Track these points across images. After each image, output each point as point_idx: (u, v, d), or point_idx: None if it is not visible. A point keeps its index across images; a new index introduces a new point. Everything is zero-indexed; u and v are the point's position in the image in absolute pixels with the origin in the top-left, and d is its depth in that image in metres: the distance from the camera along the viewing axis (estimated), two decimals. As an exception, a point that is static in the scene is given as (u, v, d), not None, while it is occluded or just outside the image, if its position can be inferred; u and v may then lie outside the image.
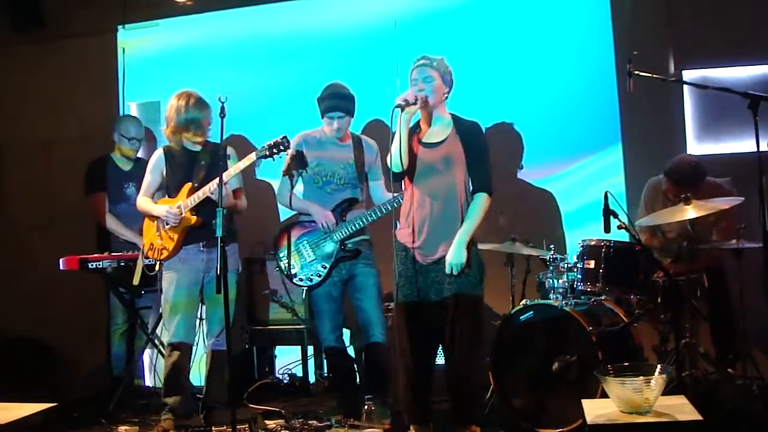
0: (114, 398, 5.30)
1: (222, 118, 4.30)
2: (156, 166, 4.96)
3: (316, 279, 4.81)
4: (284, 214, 6.41)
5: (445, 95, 4.21)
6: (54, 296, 6.43)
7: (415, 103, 4.08)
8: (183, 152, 4.94)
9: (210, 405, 4.91)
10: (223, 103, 4.29)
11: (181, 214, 4.77)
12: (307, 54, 6.31)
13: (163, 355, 5.28)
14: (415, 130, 4.24)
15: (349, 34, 6.25)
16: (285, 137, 4.67)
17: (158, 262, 4.97)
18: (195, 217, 4.78)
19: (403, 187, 4.32)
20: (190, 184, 4.82)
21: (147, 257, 5.03)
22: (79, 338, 6.24)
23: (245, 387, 5.61)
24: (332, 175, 4.86)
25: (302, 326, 5.87)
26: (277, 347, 6.21)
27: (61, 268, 5.40)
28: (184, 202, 4.78)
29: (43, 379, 6.09)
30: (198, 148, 4.94)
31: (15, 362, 6.13)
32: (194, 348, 5.06)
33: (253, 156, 4.67)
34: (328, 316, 4.86)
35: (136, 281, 5.23)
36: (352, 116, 4.92)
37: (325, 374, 5.96)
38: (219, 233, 4.17)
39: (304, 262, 4.86)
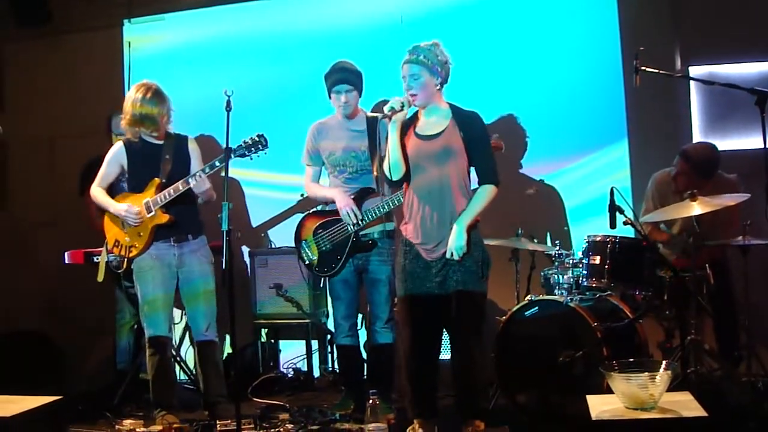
0: (119, 392, 5.30)
1: (228, 111, 4.29)
2: (115, 158, 4.89)
3: (331, 269, 4.82)
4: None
5: (437, 86, 4.12)
6: (59, 290, 6.45)
7: (401, 109, 4.06)
8: (144, 145, 4.85)
9: (212, 401, 4.89)
10: (228, 96, 4.28)
11: (151, 212, 4.73)
12: (312, 49, 6.29)
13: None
14: (411, 122, 4.22)
15: (355, 30, 6.25)
16: (262, 135, 4.59)
17: (126, 260, 4.88)
18: (167, 215, 4.74)
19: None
20: (158, 180, 4.77)
21: (111, 253, 4.97)
22: (84, 332, 6.25)
23: (250, 381, 5.61)
24: (344, 165, 4.83)
25: (307, 320, 5.88)
26: (282, 342, 6.22)
27: (66, 261, 5.41)
28: (153, 198, 4.74)
29: (48, 373, 6.10)
30: (159, 141, 4.87)
31: (21, 355, 6.15)
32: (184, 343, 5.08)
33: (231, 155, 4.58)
34: (344, 303, 4.87)
35: (100, 278, 5.14)
36: (361, 92, 4.86)
37: (329, 368, 5.98)
38: (225, 227, 4.16)
39: (321, 251, 4.86)
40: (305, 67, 6.28)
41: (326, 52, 6.20)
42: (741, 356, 4.82)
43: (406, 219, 4.24)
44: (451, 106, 4.21)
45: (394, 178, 4.17)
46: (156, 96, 4.79)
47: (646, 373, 3.31)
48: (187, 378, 5.77)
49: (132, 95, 4.80)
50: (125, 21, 6.81)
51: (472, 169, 4.21)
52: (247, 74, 6.37)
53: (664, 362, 3.46)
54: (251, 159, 4.62)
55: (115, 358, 5.85)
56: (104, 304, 5.89)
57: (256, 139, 4.58)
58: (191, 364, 5.78)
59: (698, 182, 4.94)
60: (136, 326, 5.74)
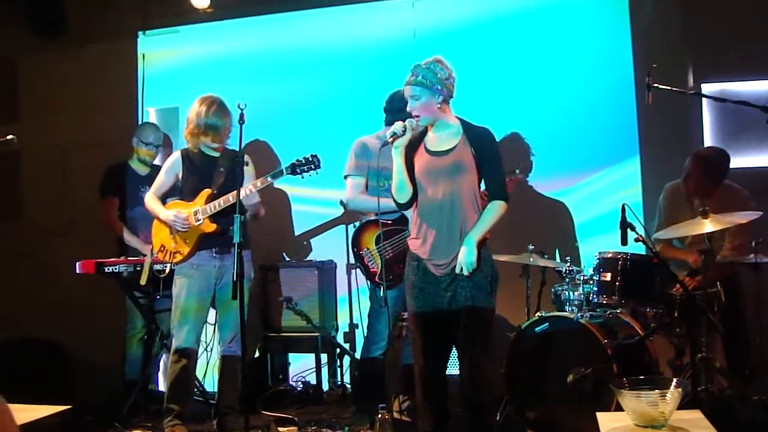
0: (128, 402, 5.31)
1: (241, 124, 4.33)
2: (172, 168, 4.99)
3: (396, 277, 4.82)
4: (298, 221, 6.48)
5: (439, 105, 4.09)
6: (71, 300, 6.47)
7: (404, 134, 4.05)
8: (201, 156, 4.96)
9: (222, 411, 4.91)
10: (242, 109, 4.32)
11: (199, 221, 4.78)
12: (327, 63, 6.34)
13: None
14: (421, 138, 4.22)
15: (369, 44, 6.28)
16: (315, 156, 4.68)
17: (169, 266, 4.98)
18: (214, 225, 4.79)
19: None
20: (209, 190, 4.83)
21: (157, 260, 5.04)
22: (95, 342, 6.27)
23: (259, 393, 5.61)
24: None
25: (316, 334, 5.88)
26: (291, 354, 6.22)
27: (78, 271, 5.43)
28: (203, 208, 4.80)
29: (58, 382, 6.12)
30: (216, 153, 4.96)
31: (31, 364, 6.17)
32: (208, 354, 5.09)
33: (283, 171, 4.71)
34: (391, 316, 4.90)
35: (143, 281, 5.21)
36: None
37: (338, 382, 5.97)
38: (236, 239, 4.19)
39: (385, 260, 4.89)
40: (320, 81, 6.32)
41: (340, 65, 6.27)
42: (752, 374, 4.79)
43: (414, 234, 4.23)
44: (462, 122, 4.20)
45: (400, 201, 4.18)
46: (220, 109, 4.89)
47: (657, 390, 3.30)
48: (196, 390, 5.77)
49: (197, 108, 4.89)
50: (140, 33, 6.86)
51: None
52: (261, 88, 6.39)
53: (674, 380, 3.44)
54: (302, 177, 4.71)
55: (125, 369, 5.86)
56: (115, 314, 5.91)
57: (310, 158, 4.68)
58: (200, 376, 5.79)
59: (708, 184, 4.96)
60: (146, 337, 5.76)
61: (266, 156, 6.16)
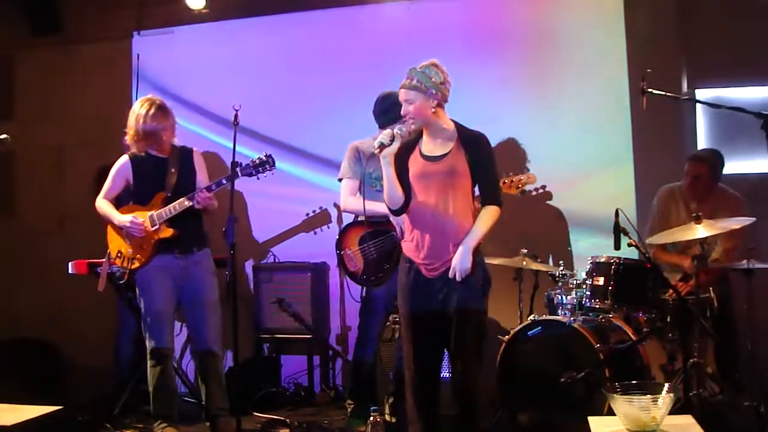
0: (120, 403, 5.29)
1: (235, 125, 4.31)
2: (120, 172, 4.91)
3: (378, 278, 4.85)
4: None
5: (433, 109, 4.06)
6: (63, 300, 6.45)
7: (391, 143, 4.03)
8: (150, 159, 4.87)
9: (214, 413, 4.86)
10: (237, 111, 4.29)
11: (156, 226, 4.73)
12: (322, 65, 6.33)
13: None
14: (416, 142, 4.21)
15: (364, 46, 6.26)
16: (270, 156, 4.65)
17: (128, 271, 4.86)
18: (171, 230, 4.74)
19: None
20: (163, 193, 4.78)
21: (114, 264, 4.96)
22: (87, 342, 6.26)
23: (251, 395, 5.59)
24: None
25: (309, 335, 5.87)
26: (283, 356, 6.21)
27: (71, 271, 5.42)
28: (158, 213, 4.74)
29: (49, 382, 6.10)
30: (164, 155, 4.88)
31: (23, 364, 6.15)
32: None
33: (238, 173, 4.65)
34: (381, 319, 4.98)
35: (101, 288, 5.10)
36: None
37: (330, 384, 5.97)
38: (230, 240, 4.16)
39: (367, 260, 4.89)
40: (314, 83, 6.31)
41: (334, 68, 6.26)
42: (743, 380, 4.80)
43: (408, 237, 4.21)
44: (457, 126, 4.17)
45: (393, 208, 4.16)
46: (160, 111, 4.80)
47: (649, 395, 3.30)
48: (187, 390, 5.76)
49: (136, 111, 4.80)
50: (135, 33, 6.85)
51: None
52: (256, 90, 6.35)
53: (666, 385, 3.45)
54: (258, 178, 4.67)
55: (117, 369, 5.84)
56: (107, 314, 5.90)
57: (264, 159, 4.64)
58: (192, 377, 5.78)
59: (709, 186, 5.00)
60: (138, 337, 5.74)
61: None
